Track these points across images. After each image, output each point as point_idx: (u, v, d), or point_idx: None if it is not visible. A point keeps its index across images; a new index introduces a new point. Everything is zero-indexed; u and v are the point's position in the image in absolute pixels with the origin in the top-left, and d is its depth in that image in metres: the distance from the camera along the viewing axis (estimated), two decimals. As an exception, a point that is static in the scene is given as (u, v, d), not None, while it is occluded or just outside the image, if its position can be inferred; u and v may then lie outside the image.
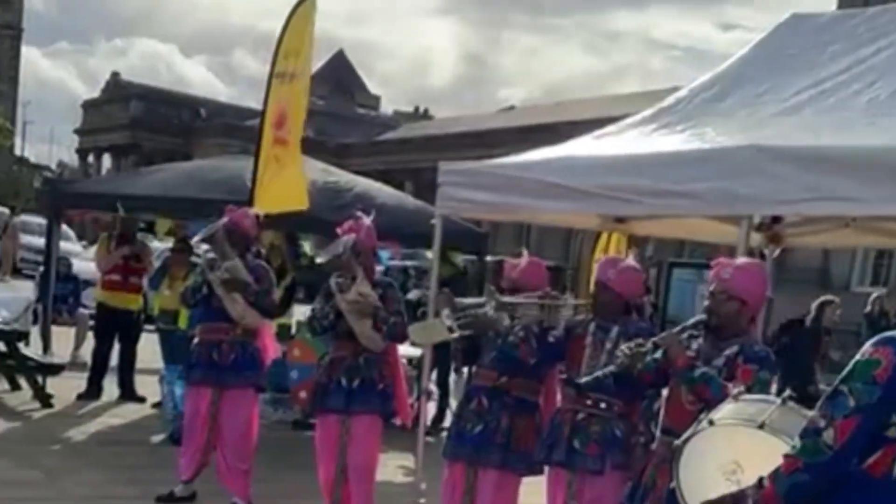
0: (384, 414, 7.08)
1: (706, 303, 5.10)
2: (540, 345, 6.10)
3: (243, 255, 7.69)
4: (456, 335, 6.43)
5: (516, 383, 6.21)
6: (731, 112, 7.59)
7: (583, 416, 5.77)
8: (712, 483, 3.96)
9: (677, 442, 4.23)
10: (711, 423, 4.10)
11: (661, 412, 5.18)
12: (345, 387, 6.93)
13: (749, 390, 4.33)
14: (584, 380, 5.51)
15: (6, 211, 32.69)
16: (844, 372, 2.37)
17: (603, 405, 5.73)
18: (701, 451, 4.10)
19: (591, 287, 6.19)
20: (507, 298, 6.21)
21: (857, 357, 2.35)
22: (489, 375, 6.31)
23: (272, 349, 8.13)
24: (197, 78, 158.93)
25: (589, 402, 5.75)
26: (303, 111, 9.44)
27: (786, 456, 2.58)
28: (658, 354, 5.12)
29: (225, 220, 7.64)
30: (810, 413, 2.80)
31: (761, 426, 3.86)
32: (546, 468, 6.04)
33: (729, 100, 7.83)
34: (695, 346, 5.08)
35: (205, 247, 7.75)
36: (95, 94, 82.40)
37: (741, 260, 5.26)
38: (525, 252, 6.72)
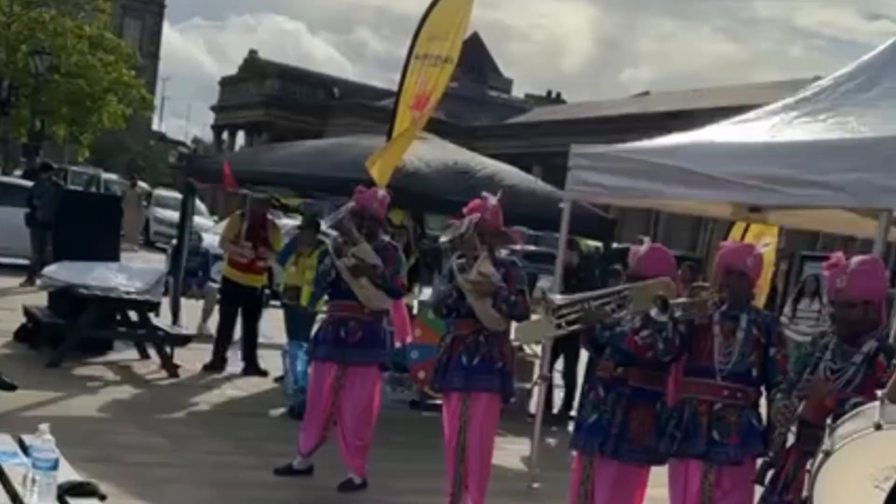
0: (503, 393, 7.07)
1: (829, 311, 4.99)
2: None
3: (373, 237, 7.64)
4: (564, 332, 6.35)
5: (633, 373, 6.06)
6: (876, 102, 7.29)
7: (719, 407, 5.67)
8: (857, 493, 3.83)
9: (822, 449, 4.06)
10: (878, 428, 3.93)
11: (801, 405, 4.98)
12: (465, 365, 6.94)
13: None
14: None
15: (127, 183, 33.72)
16: None
17: (739, 395, 5.64)
18: (850, 461, 3.94)
19: (719, 275, 5.96)
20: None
21: None
22: (606, 366, 6.20)
23: (405, 328, 8.13)
24: (323, 55, 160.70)
25: (726, 392, 5.65)
26: (440, 95, 9.60)
27: None
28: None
29: (352, 203, 7.60)
30: None
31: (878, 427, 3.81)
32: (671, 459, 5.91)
33: (874, 90, 7.52)
34: (830, 348, 5.00)
35: (333, 232, 7.69)
36: (225, 70, 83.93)
37: (853, 262, 4.99)
38: (647, 239, 6.53)
